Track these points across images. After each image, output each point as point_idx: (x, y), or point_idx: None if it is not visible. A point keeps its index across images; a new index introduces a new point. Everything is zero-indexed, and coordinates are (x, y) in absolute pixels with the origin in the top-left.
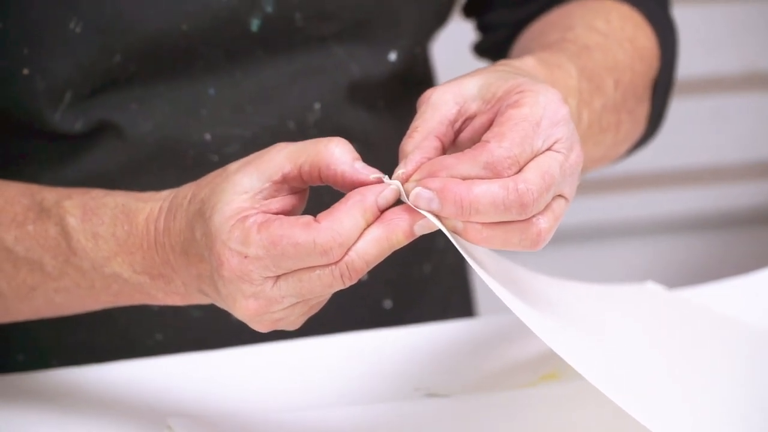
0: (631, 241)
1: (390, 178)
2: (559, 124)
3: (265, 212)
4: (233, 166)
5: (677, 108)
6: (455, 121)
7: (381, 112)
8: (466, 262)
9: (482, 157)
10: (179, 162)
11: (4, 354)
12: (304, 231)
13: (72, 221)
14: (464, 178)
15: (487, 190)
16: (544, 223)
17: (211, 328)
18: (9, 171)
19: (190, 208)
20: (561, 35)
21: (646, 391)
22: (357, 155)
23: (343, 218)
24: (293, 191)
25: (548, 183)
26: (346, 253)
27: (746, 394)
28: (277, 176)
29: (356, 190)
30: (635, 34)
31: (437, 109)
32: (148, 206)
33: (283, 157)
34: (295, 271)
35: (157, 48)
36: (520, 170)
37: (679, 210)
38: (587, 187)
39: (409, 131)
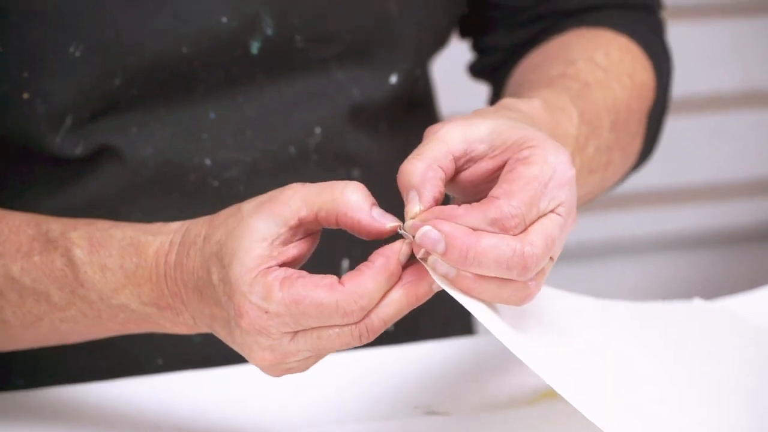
0: (631, 259)
1: (405, 215)
2: (565, 187)
3: (285, 263)
4: (247, 208)
5: (677, 125)
6: (460, 158)
7: (382, 135)
8: None
9: (490, 213)
10: (180, 186)
11: (4, 378)
12: (327, 293)
13: (79, 253)
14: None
15: (494, 246)
16: (535, 287)
17: (212, 353)
18: (9, 195)
19: (206, 248)
20: (562, 69)
21: (640, 417)
22: (373, 200)
23: (368, 282)
24: (307, 233)
25: (549, 247)
26: (366, 316)
27: (746, 408)
28: (294, 221)
29: (378, 252)
30: (634, 68)
31: (444, 142)
32: (157, 240)
33: (298, 201)
34: (313, 328)
35: (157, 71)
36: (524, 230)
37: (679, 227)
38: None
39: (411, 156)
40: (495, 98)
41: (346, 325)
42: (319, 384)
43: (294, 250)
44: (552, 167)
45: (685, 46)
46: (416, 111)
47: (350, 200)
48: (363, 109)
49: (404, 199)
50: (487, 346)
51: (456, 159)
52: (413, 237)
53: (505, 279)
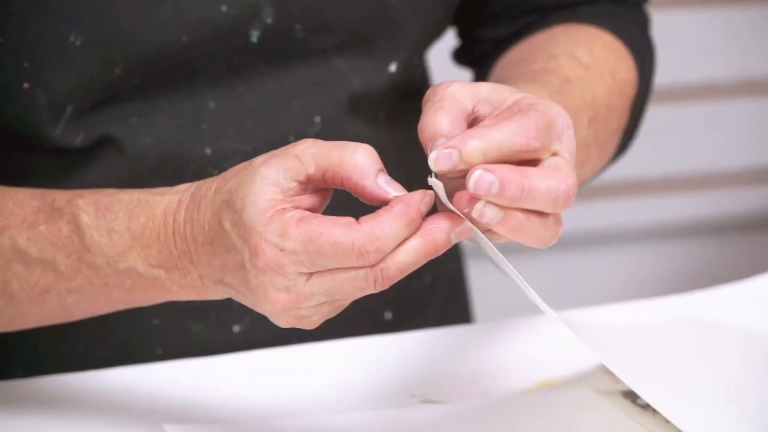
0: (625, 247)
1: (429, 162)
2: (568, 131)
3: (299, 207)
4: (258, 160)
5: (672, 114)
6: (468, 117)
7: (381, 124)
8: (463, 271)
9: (511, 125)
10: (180, 177)
11: (2, 368)
12: (344, 230)
13: (85, 218)
14: (499, 147)
15: (544, 178)
16: (560, 226)
17: (212, 343)
18: (8, 185)
19: (216, 198)
20: (544, 65)
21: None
22: (381, 166)
23: (386, 225)
24: (317, 190)
25: (576, 184)
26: (382, 259)
27: (745, 397)
28: (302, 176)
29: (399, 198)
30: (617, 66)
31: (457, 100)
32: (165, 199)
33: (308, 158)
34: (329, 269)
35: (157, 60)
36: (552, 154)
37: (673, 216)
38: (581, 193)
39: (432, 109)
40: None
41: (361, 267)
42: (315, 372)
43: (307, 200)
44: (555, 111)
45: (680, 35)
46: (414, 100)
47: (357, 164)
48: (362, 98)
49: (427, 150)
50: (484, 335)
51: (466, 117)
52: (469, 186)
53: (545, 216)
